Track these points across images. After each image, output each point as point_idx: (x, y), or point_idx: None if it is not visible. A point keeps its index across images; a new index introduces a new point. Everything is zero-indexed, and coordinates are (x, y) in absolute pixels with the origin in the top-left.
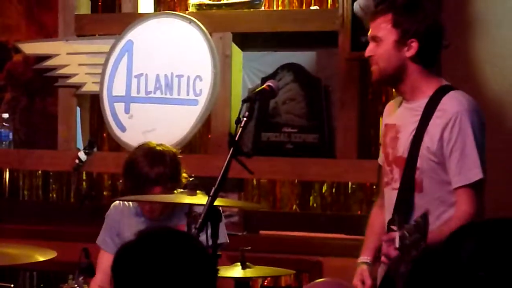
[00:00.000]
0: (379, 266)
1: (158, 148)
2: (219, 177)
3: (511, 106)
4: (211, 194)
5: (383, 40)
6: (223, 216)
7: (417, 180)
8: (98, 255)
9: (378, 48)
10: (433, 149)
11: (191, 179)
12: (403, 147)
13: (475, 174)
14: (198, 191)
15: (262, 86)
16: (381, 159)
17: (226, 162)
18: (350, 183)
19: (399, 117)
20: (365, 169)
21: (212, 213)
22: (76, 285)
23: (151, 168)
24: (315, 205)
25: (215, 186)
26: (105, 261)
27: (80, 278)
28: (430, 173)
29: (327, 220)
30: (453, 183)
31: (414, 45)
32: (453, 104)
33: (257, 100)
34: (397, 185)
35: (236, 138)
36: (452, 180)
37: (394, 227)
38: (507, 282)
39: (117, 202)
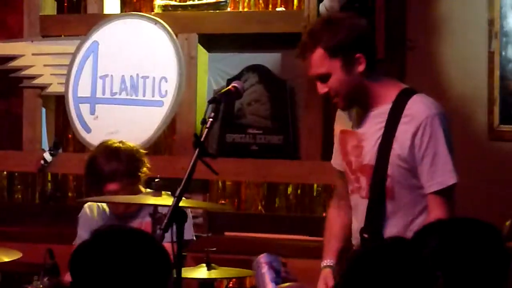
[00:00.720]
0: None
1: (115, 145)
2: (184, 178)
3: (475, 108)
4: (176, 194)
5: (331, 74)
6: (190, 216)
7: (388, 187)
8: None
9: (329, 82)
10: (404, 156)
11: (156, 180)
12: (369, 155)
13: (448, 178)
14: (163, 192)
15: (228, 87)
16: (337, 164)
17: (191, 163)
18: (315, 185)
19: (361, 125)
20: (330, 171)
21: (177, 214)
22: (41, 286)
23: (106, 164)
24: (280, 206)
25: (180, 187)
26: None
27: (45, 279)
28: (400, 179)
29: (291, 221)
30: (426, 188)
31: (362, 58)
32: (421, 108)
33: (223, 101)
34: (364, 193)
35: (202, 139)
36: (425, 185)
37: (366, 236)
38: (464, 279)
39: (88, 203)
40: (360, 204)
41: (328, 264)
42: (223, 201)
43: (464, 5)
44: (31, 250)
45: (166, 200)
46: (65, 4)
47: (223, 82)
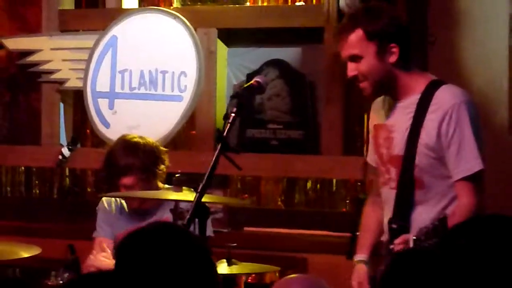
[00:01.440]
0: (376, 263)
1: (134, 139)
2: (207, 173)
3: (495, 102)
4: (198, 190)
5: (363, 57)
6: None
7: (417, 177)
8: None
9: (360, 65)
10: (431, 145)
11: (177, 175)
12: (399, 146)
13: (475, 165)
14: (184, 188)
15: (250, 82)
16: (371, 159)
17: (214, 158)
18: (334, 180)
19: (391, 117)
20: (350, 166)
21: (200, 210)
22: (61, 281)
23: (122, 157)
24: (299, 201)
25: (203, 183)
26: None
27: (66, 275)
28: (429, 169)
29: (311, 216)
30: (453, 175)
31: (395, 49)
32: (448, 97)
33: (246, 95)
34: (394, 184)
35: (224, 134)
36: (452, 173)
37: (394, 226)
38: (496, 278)
39: (105, 197)
40: (390, 196)
41: (361, 258)
42: (243, 196)
43: (485, 0)
44: (50, 245)
45: (187, 195)
46: None
47: (242, 77)
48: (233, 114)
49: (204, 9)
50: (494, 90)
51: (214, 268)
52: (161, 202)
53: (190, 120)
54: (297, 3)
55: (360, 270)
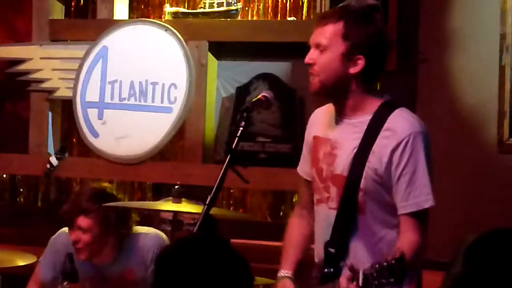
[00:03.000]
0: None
1: (110, 191)
2: (215, 186)
3: (486, 121)
4: (206, 202)
5: (328, 50)
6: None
7: (360, 201)
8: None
9: (321, 56)
10: (380, 171)
11: (176, 186)
12: (342, 165)
13: (425, 201)
14: (183, 199)
15: (258, 97)
16: (304, 172)
17: (222, 171)
18: None
19: (335, 132)
20: None
21: (207, 222)
22: None
23: (89, 198)
24: (285, 214)
25: (211, 195)
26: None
27: (65, 283)
28: (373, 194)
29: None
30: (400, 208)
31: (361, 62)
32: (404, 125)
33: (254, 110)
34: (334, 204)
35: (233, 147)
36: (399, 205)
37: (331, 250)
38: None
39: (64, 229)
40: (327, 216)
41: (285, 274)
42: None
43: (476, 19)
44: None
45: (186, 207)
46: (72, 8)
47: (232, 90)
48: (241, 128)
49: (195, 22)
50: (484, 109)
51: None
52: (116, 257)
53: (179, 132)
54: (288, 18)
55: (285, 285)
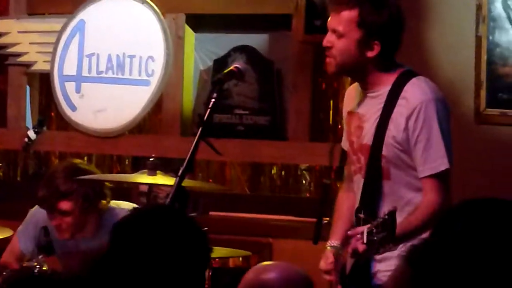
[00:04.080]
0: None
1: (81, 165)
2: (187, 158)
3: (463, 92)
4: (179, 174)
5: (344, 36)
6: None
7: (384, 167)
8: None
9: (338, 42)
10: (398, 138)
11: (151, 159)
12: (368, 136)
13: (441, 164)
14: (158, 171)
15: (230, 68)
16: (345, 145)
17: (194, 143)
18: (299, 166)
19: (362, 106)
20: (317, 152)
21: (180, 194)
22: (35, 264)
23: (65, 180)
24: (264, 187)
25: (183, 167)
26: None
27: (40, 256)
28: (395, 160)
29: (276, 202)
30: (419, 172)
31: (377, 47)
32: (417, 93)
33: (226, 81)
34: (364, 172)
35: (205, 119)
36: (418, 169)
37: (361, 215)
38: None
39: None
40: (360, 184)
41: (332, 244)
42: (209, 181)
43: None
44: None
45: (161, 179)
46: None
47: (210, 62)
48: (213, 100)
49: None
50: (461, 80)
51: (210, 252)
52: (96, 232)
53: (157, 105)
54: None
55: (328, 256)
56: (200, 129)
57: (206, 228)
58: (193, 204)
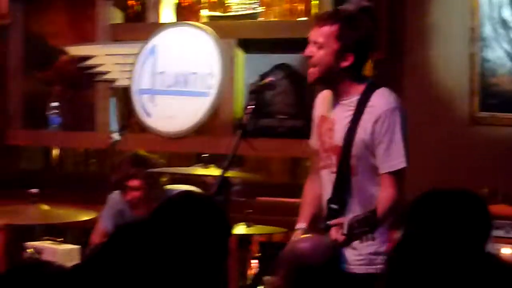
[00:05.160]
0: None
1: (141, 154)
2: (231, 154)
3: (459, 98)
4: (224, 167)
5: (324, 47)
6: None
7: (353, 165)
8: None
9: (318, 51)
10: (366, 140)
11: (204, 155)
12: (339, 137)
13: (400, 162)
14: (210, 165)
15: (264, 81)
16: (313, 143)
17: (235, 142)
18: None
19: (334, 112)
20: None
21: (225, 182)
22: None
23: (132, 165)
24: (301, 176)
25: (227, 161)
26: (100, 229)
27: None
28: (363, 159)
29: None
30: (380, 169)
31: (350, 58)
32: (382, 101)
33: (261, 92)
34: (334, 169)
35: (244, 122)
36: (379, 166)
37: (333, 206)
38: (453, 243)
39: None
40: (329, 178)
41: (300, 227)
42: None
43: (450, 15)
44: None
45: (213, 171)
46: (130, 14)
47: (256, 77)
48: (251, 106)
49: (226, 23)
50: (458, 89)
51: (229, 229)
52: None
53: (214, 112)
54: (300, 19)
55: (297, 236)
56: (241, 131)
57: (251, 210)
58: (244, 192)
